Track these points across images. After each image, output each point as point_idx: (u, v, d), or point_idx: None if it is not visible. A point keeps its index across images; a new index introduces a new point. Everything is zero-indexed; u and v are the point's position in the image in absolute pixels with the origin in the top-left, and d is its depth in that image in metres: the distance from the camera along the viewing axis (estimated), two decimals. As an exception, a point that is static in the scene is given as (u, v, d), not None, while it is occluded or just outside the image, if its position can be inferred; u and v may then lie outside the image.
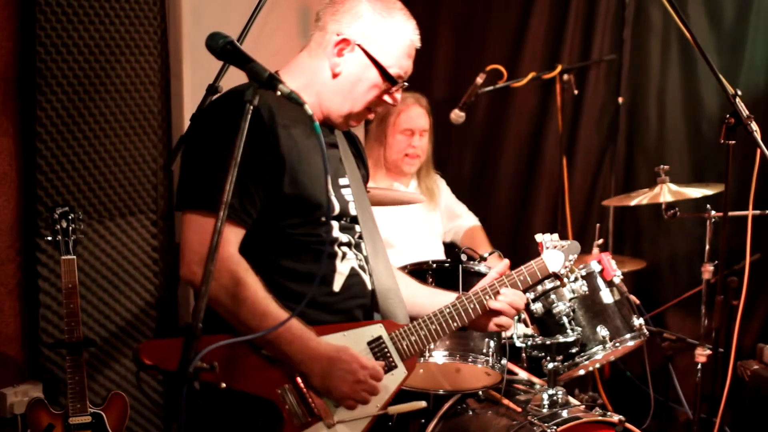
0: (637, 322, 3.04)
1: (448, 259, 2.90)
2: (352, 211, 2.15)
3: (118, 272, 3.34)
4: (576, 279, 2.89)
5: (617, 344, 2.97)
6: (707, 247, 3.54)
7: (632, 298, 3.14)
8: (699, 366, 3.53)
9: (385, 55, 2.07)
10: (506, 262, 2.28)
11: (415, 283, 2.39)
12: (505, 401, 2.92)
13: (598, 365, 3.62)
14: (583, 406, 2.83)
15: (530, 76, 4.12)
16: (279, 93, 1.72)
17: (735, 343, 3.50)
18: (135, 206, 3.40)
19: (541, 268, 2.26)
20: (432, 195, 3.83)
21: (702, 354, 3.52)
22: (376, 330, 2.08)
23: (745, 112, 2.48)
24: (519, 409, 2.85)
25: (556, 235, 2.32)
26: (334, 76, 2.08)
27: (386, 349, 2.07)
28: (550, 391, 2.84)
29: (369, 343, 2.06)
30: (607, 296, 3.02)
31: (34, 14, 2.99)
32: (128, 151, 3.35)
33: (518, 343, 2.89)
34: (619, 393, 4.22)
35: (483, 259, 2.91)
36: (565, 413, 2.74)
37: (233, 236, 1.92)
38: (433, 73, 4.50)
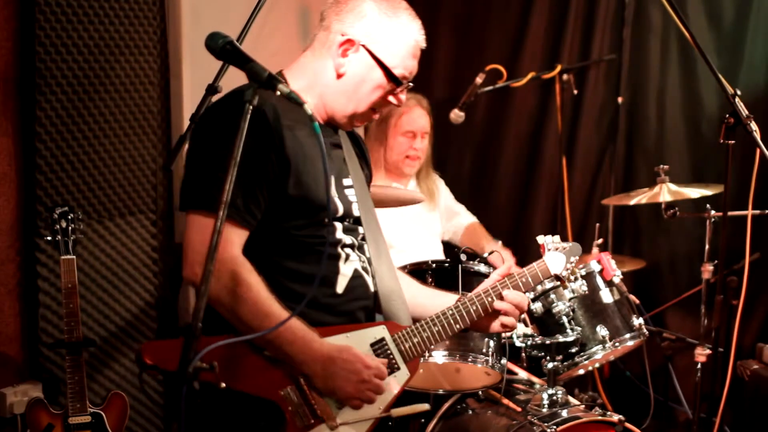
0: (637, 321, 3.04)
1: (448, 259, 2.90)
2: (356, 212, 2.14)
3: (117, 272, 3.34)
4: (576, 279, 2.89)
5: (617, 344, 2.97)
6: (707, 246, 3.54)
7: (632, 297, 3.14)
8: (699, 366, 3.53)
9: (390, 56, 2.05)
10: (510, 263, 2.28)
11: (416, 284, 2.39)
12: (505, 401, 2.92)
13: (597, 365, 3.62)
14: (583, 406, 2.83)
15: (530, 76, 4.12)
16: (278, 93, 1.72)
17: (735, 342, 3.50)
18: (135, 206, 3.40)
19: (543, 270, 2.26)
20: (432, 195, 3.83)
21: (702, 354, 3.52)
22: (379, 331, 2.08)
23: (744, 111, 2.48)
24: (519, 409, 2.85)
25: (557, 237, 2.33)
26: (339, 76, 2.06)
27: (389, 351, 2.07)
28: (550, 391, 2.84)
29: (372, 345, 2.06)
30: (606, 296, 3.02)
31: (34, 14, 2.99)
32: (128, 151, 3.35)
33: (518, 343, 2.89)
34: (619, 393, 4.22)
35: (483, 260, 2.90)
36: (564, 413, 2.74)
37: (237, 237, 1.92)
38: (433, 73, 4.49)
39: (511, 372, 3.12)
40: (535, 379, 3.14)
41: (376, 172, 3.71)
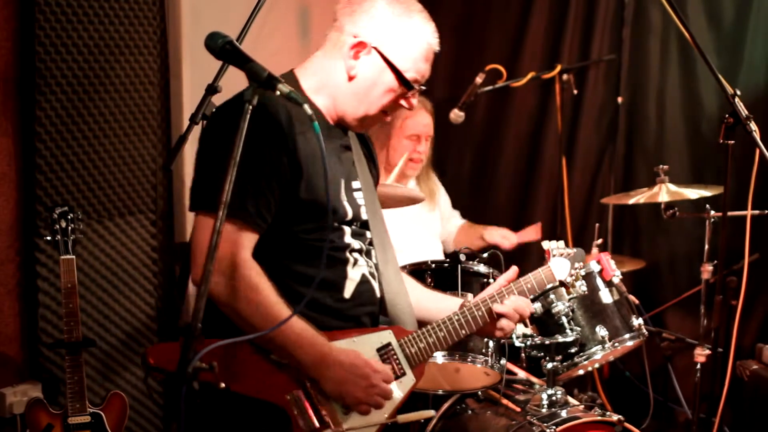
0: (636, 322, 3.04)
1: (447, 259, 2.90)
2: (364, 216, 2.13)
3: (117, 272, 3.34)
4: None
5: (616, 344, 2.97)
6: (706, 246, 3.54)
7: (631, 298, 3.14)
8: (698, 366, 3.53)
9: (402, 59, 2.02)
10: (515, 269, 2.27)
11: (420, 287, 2.39)
12: (504, 401, 2.92)
13: (597, 365, 3.62)
14: (582, 406, 2.83)
15: (530, 75, 4.12)
16: (278, 93, 1.72)
17: (734, 342, 3.51)
18: (134, 206, 3.40)
19: (548, 276, 2.26)
20: (432, 195, 3.83)
21: (701, 354, 3.51)
22: (386, 336, 2.08)
23: (744, 112, 2.48)
24: (518, 409, 2.85)
25: (561, 243, 2.33)
26: (350, 78, 2.03)
27: (395, 356, 2.07)
28: (549, 391, 2.84)
29: (378, 350, 2.05)
30: (606, 296, 3.02)
31: (34, 14, 2.99)
32: (127, 151, 3.35)
33: (517, 343, 2.89)
34: (619, 393, 4.22)
35: (483, 260, 2.90)
36: (564, 413, 2.74)
37: (247, 241, 1.90)
38: (433, 73, 4.44)
39: (510, 372, 3.12)
40: (534, 379, 3.14)
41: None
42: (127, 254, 3.38)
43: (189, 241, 1.96)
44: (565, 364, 2.92)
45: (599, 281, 3.02)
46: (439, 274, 2.86)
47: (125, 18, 3.27)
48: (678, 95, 4.22)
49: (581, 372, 3.29)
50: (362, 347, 2.02)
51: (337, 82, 2.04)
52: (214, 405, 1.92)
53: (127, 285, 3.39)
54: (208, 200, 1.89)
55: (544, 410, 2.79)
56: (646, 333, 3.07)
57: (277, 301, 1.89)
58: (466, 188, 4.54)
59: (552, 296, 2.90)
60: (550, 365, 2.87)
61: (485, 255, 2.94)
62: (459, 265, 2.82)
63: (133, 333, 3.41)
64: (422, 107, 3.69)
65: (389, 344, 2.07)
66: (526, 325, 3.00)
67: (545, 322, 2.93)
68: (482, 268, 2.86)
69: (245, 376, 1.90)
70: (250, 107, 1.70)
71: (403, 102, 2.09)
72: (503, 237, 3.83)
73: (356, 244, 2.08)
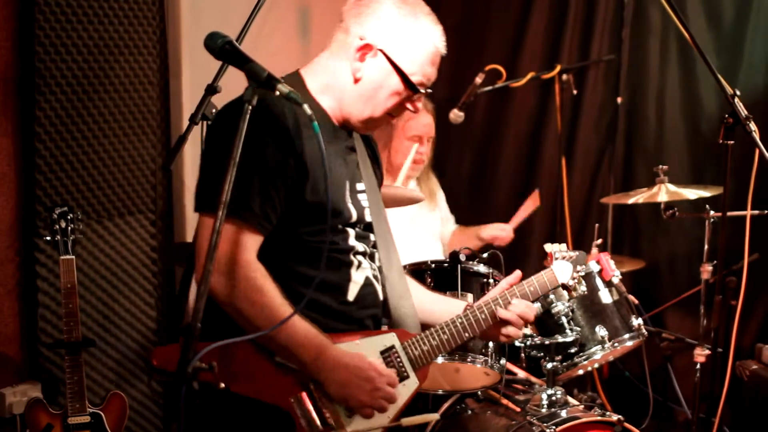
0: (636, 322, 3.04)
1: (447, 259, 2.90)
2: (368, 218, 2.12)
3: (116, 272, 3.34)
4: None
5: (616, 344, 2.97)
6: (706, 247, 3.54)
7: (631, 298, 3.14)
8: (698, 366, 3.53)
9: (409, 62, 2.00)
10: (518, 273, 2.27)
11: (423, 289, 2.39)
12: (504, 401, 2.92)
13: (597, 365, 3.62)
14: (582, 406, 2.83)
15: (529, 76, 4.12)
16: (278, 93, 1.72)
17: (734, 342, 3.51)
18: (134, 206, 3.40)
19: (550, 279, 2.26)
20: (432, 195, 3.82)
21: (701, 354, 3.51)
22: (389, 339, 2.07)
23: (743, 112, 2.48)
24: (518, 409, 2.85)
25: (564, 246, 2.33)
26: (356, 81, 2.02)
27: (399, 359, 2.06)
28: (549, 391, 2.84)
29: (382, 353, 2.05)
30: (605, 296, 3.02)
31: (33, 14, 2.99)
32: (127, 151, 3.35)
33: (517, 343, 2.88)
34: (618, 393, 4.22)
35: (482, 260, 2.90)
36: (564, 413, 2.74)
37: (252, 242, 1.89)
38: (433, 73, 4.49)
39: (510, 372, 3.12)
40: (534, 379, 3.14)
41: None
42: (127, 254, 3.38)
43: (192, 242, 1.96)
44: (564, 364, 2.92)
45: (599, 281, 3.02)
46: (438, 274, 2.86)
47: (125, 18, 3.27)
48: (678, 95, 4.22)
49: (581, 372, 3.29)
50: (366, 350, 2.01)
51: (342, 83, 2.03)
52: (217, 406, 1.92)
53: (127, 285, 3.39)
54: (210, 201, 1.90)
55: (543, 410, 2.78)
56: (646, 333, 3.07)
57: (281, 303, 1.88)
58: (466, 188, 4.54)
59: (552, 296, 2.90)
60: (549, 365, 2.87)
61: (485, 255, 2.94)
62: (459, 265, 2.82)
63: (132, 333, 3.42)
64: (424, 108, 3.68)
65: (393, 347, 2.06)
66: (526, 326, 3.00)
67: (545, 322, 2.93)
68: (482, 268, 2.86)
69: (249, 377, 1.90)
70: (250, 107, 1.70)
71: (408, 105, 2.07)
72: (500, 229, 3.81)
73: (360, 246, 2.08)
